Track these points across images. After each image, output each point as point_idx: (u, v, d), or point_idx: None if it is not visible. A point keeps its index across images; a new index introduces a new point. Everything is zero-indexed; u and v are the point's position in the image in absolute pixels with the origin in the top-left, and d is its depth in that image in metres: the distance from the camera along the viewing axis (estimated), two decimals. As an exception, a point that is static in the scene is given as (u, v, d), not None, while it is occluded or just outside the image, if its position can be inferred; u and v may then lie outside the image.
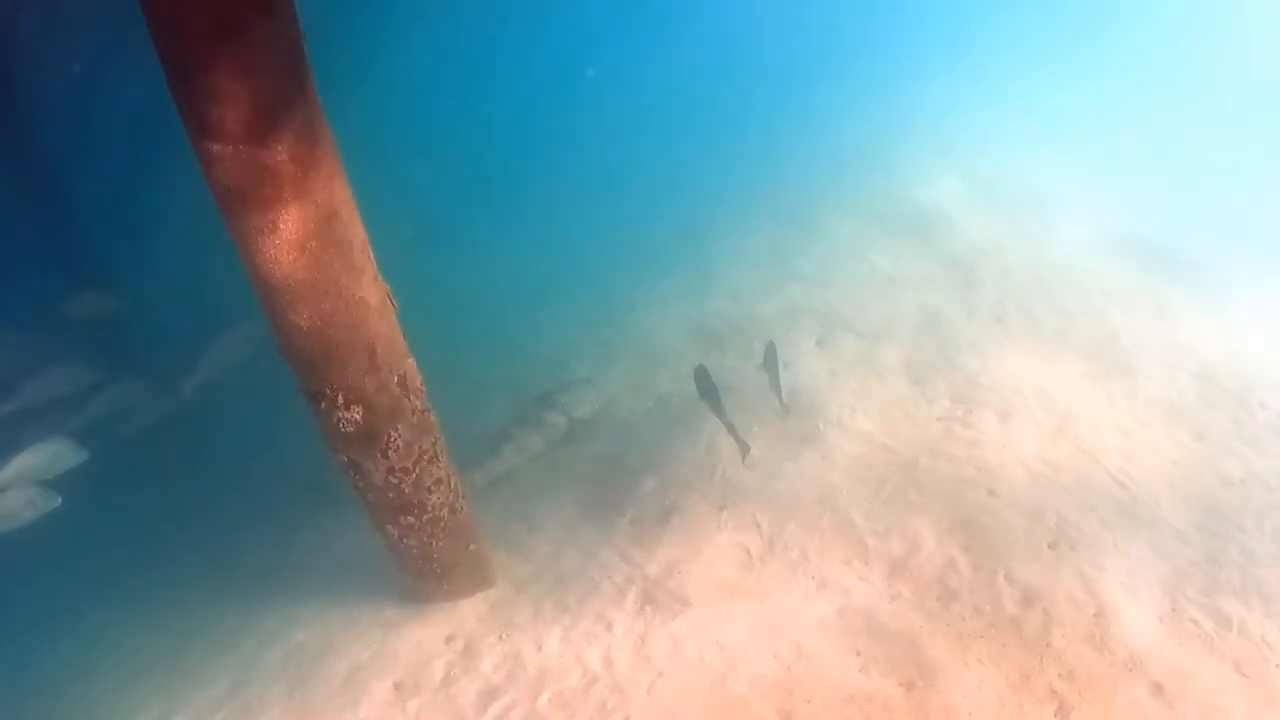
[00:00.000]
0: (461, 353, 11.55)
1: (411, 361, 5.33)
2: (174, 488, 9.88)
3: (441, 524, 6.02)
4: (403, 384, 5.23)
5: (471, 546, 6.44)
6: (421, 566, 6.34)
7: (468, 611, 6.59)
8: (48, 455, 7.99)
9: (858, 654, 5.46)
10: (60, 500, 7.78)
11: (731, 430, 7.06)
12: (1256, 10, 20.23)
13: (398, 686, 6.08)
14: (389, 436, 5.32)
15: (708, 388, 7.28)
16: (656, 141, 18.16)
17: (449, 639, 6.38)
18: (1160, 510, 6.52)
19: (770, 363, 7.65)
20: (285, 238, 4.28)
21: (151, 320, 10.16)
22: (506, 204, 16.50)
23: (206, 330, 9.54)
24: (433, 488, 5.78)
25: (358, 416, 5.13)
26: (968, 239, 11.93)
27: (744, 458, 7.12)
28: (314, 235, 4.33)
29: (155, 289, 10.39)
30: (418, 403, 5.41)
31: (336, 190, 4.39)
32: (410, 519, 5.87)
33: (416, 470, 5.59)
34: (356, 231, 4.60)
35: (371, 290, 4.78)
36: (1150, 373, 8.48)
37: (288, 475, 9.06)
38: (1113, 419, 7.72)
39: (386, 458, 5.42)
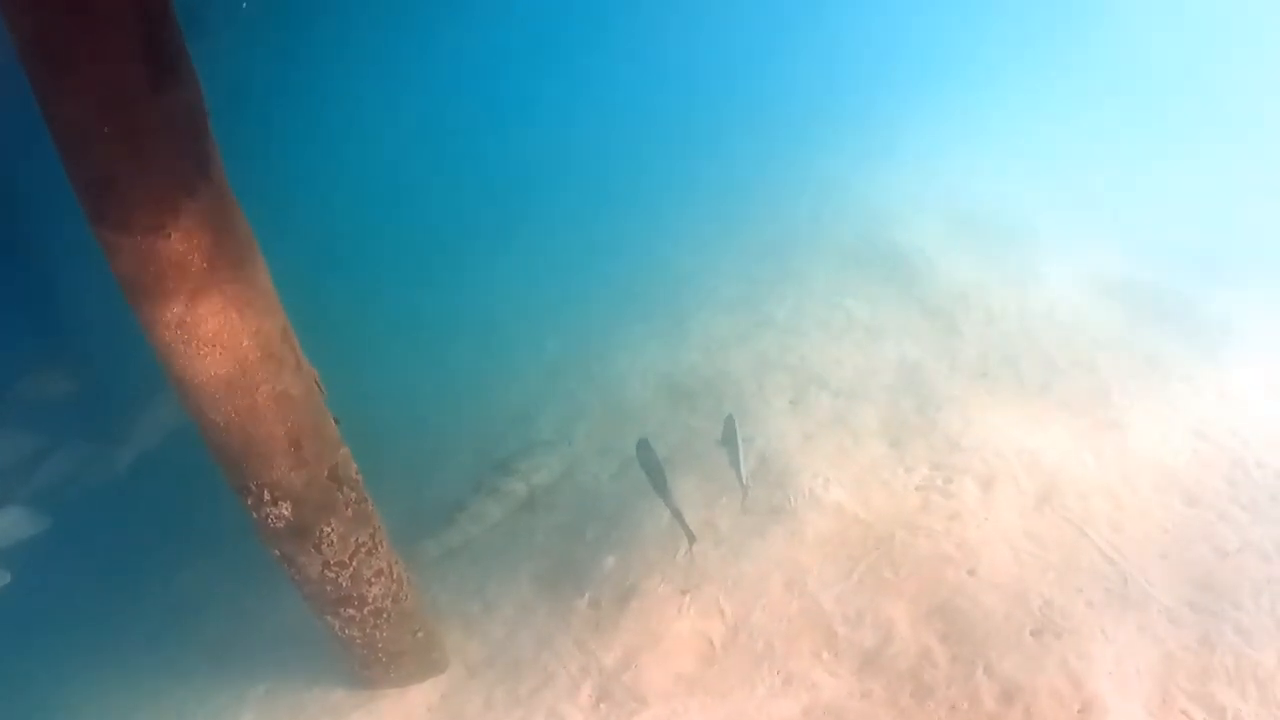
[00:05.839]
0: (429, 402, 11.25)
1: (345, 451, 5.00)
2: (126, 554, 9.50)
3: (384, 614, 5.67)
4: (334, 476, 4.89)
5: (419, 634, 6.09)
6: (366, 656, 6.00)
7: (417, 700, 6.25)
8: (2, 524, 7.72)
9: (824, 761, 5.11)
10: (10, 578, 7.52)
11: (676, 514, 6.46)
12: (1247, 45, 20.02)
13: (341, 785, 5.75)
14: (322, 531, 4.99)
15: (651, 464, 6.66)
16: (631, 176, 17.90)
17: (396, 732, 6.04)
18: (1150, 588, 6.14)
19: (729, 438, 7.00)
20: (193, 333, 3.95)
21: (96, 383, 9.78)
22: (480, 242, 16.25)
23: (140, 395, 9.07)
24: (373, 580, 5.43)
25: (286, 512, 4.79)
26: (950, 283, 11.51)
27: (689, 545, 6.63)
28: (224, 329, 4.00)
29: (97, 348, 9.98)
30: (352, 494, 5.06)
31: (250, 278, 4.06)
32: (350, 611, 5.54)
33: (354, 563, 5.25)
34: (275, 320, 4.27)
35: (294, 381, 4.44)
36: (1141, 430, 8.06)
37: (243, 540, 8.71)
38: (1101, 482, 7.33)
39: (320, 552, 5.08)
